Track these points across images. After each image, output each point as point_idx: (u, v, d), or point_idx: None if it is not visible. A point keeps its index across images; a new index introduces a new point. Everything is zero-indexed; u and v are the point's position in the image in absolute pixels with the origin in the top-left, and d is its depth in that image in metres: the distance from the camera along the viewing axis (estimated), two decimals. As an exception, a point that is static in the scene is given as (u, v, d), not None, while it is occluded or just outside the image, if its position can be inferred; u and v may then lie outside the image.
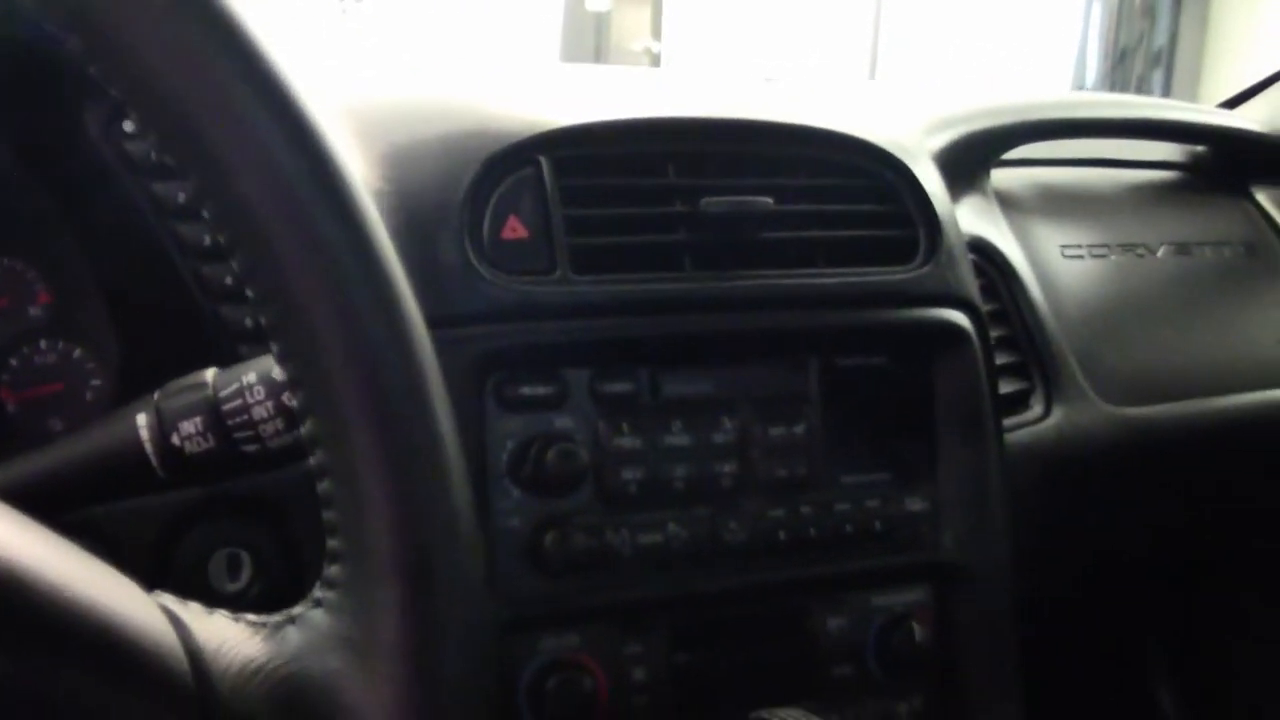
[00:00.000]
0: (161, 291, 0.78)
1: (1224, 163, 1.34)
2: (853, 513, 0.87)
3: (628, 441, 0.81)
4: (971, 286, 0.92)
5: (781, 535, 0.85)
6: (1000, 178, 1.18)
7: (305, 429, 0.48)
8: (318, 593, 0.48)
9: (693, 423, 0.83)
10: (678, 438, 0.83)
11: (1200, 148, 1.34)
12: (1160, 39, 4.05)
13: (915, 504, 0.89)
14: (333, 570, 0.48)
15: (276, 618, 0.48)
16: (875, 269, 0.88)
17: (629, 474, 0.81)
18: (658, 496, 0.82)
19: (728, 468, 0.84)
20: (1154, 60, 4.08)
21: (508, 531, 0.78)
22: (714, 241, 0.84)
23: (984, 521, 0.90)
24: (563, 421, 0.80)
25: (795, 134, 0.89)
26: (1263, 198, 1.34)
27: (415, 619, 0.46)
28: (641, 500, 0.81)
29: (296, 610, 0.48)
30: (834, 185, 0.89)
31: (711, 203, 0.83)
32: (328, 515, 0.48)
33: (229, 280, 0.77)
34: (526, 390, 0.79)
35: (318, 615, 0.48)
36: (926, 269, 0.90)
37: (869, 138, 0.90)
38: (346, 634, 0.46)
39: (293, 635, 0.47)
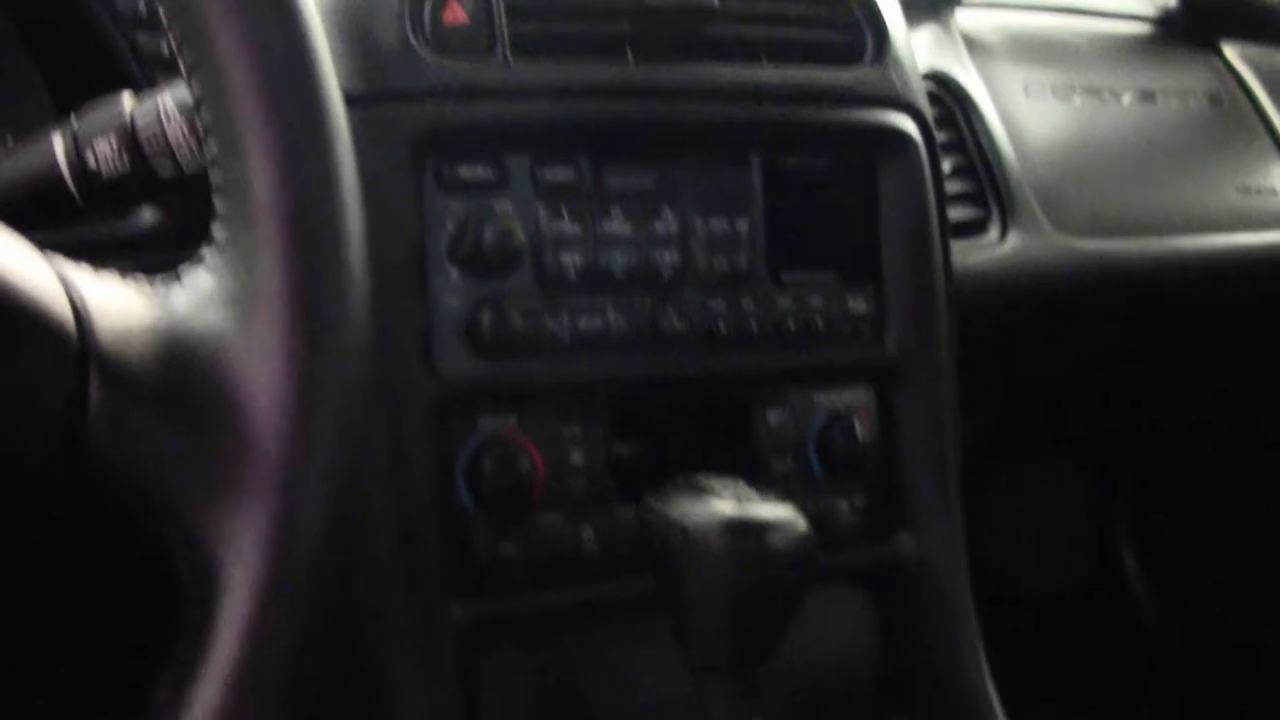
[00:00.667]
0: (77, 22, 0.79)
1: (1194, 17, 1.35)
2: (794, 309, 0.88)
3: (567, 227, 0.82)
4: (918, 94, 0.93)
5: (721, 327, 0.86)
6: (968, 18, 1.19)
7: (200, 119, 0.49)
8: (203, 253, 0.49)
9: (633, 212, 0.84)
10: (618, 226, 0.84)
11: (1172, 1, 1.35)
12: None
13: (858, 304, 0.90)
14: (217, 232, 0.49)
15: (162, 278, 0.49)
16: (820, 68, 0.89)
17: (568, 259, 0.82)
18: (597, 283, 0.83)
19: (668, 258, 0.85)
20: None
21: (446, 311, 0.80)
22: (658, 34, 0.84)
23: (926, 325, 0.92)
24: (502, 205, 0.81)
25: None
26: (1231, 54, 1.34)
27: (292, 263, 0.47)
28: (580, 286, 0.83)
29: (182, 270, 0.49)
30: None
31: None
32: (214, 179, 0.49)
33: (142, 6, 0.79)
34: (465, 172, 0.80)
35: (201, 275, 0.49)
36: (871, 71, 0.90)
37: None
38: (229, 291, 0.48)
39: (178, 294, 0.49)
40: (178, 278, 0.49)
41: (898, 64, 0.92)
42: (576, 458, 0.83)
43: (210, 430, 0.47)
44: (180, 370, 0.47)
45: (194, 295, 0.48)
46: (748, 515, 0.71)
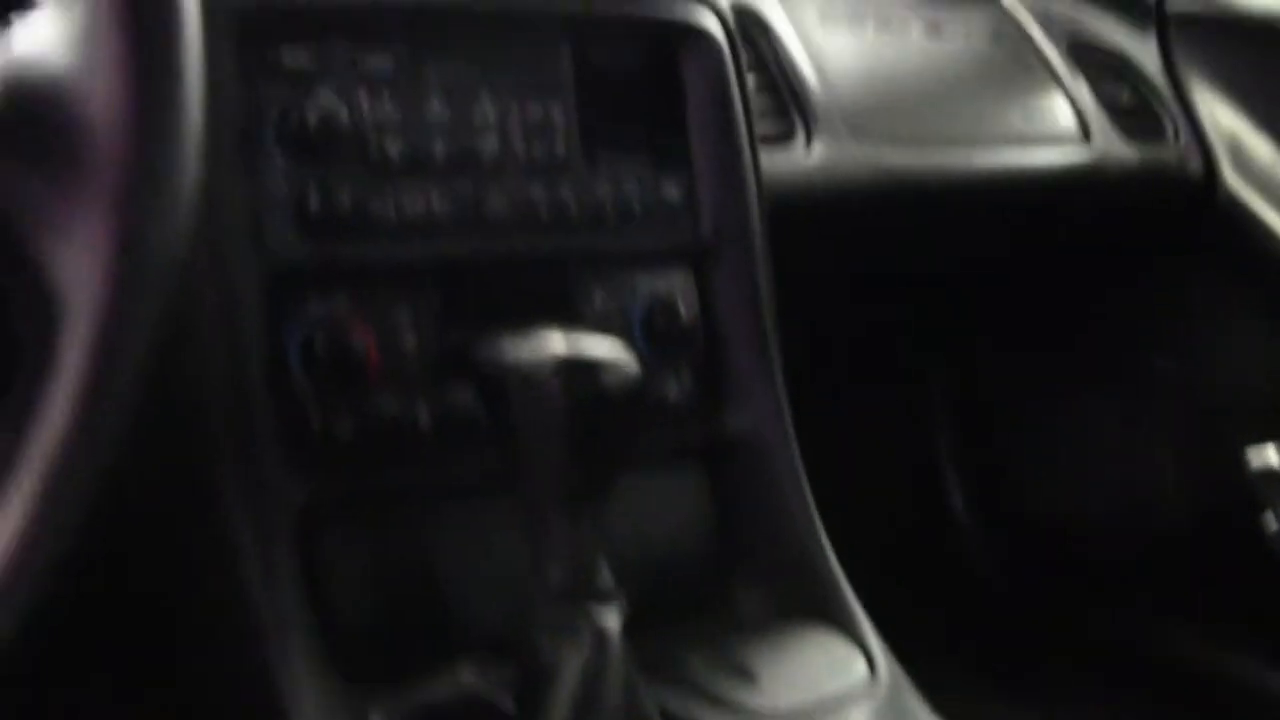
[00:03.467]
0: None
1: None
2: (612, 193, 0.94)
3: (389, 113, 0.87)
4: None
5: (543, 211, 0.91)
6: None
7: None
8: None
9: (452, 99, 0.89)
10: (438, 112, 0.89)
11: None
12: None
13: (672, 190, 0.97)
14: None
15: None
16: None
17: (391, 144, 0.87)
18: (420, 167, 0.87)
19: (488, 144, 0.90)
20: None
21: (273, 192, 0.83)
22: None
23: (737, 210, 0.99)
24: (325, 91, 0.85)
25: None
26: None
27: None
28: (404, 170, 0.87)
29: (14, 16, 0.53)
30: None
31: None
32: None
33: None
34: (289, 57, 0.84)
35: (37, 19, 0.53)
36: None
37: None
38: (64, 32, 0.51)
39: (13, 37, 0.52)
40: (8, 24, 0.52)
41: None
42: (408, 338, 0.87)
43: (52, 162, 0.50)
44: (18, 108, 0.50)
45: (30, 37, 0.52)
46: (579, 353, 0.76)
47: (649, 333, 0.94)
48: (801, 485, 0.98)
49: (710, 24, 0.99)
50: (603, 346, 0.78)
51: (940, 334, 1.49)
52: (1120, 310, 1.55)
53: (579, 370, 0.76)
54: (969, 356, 1.54)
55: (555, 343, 0.78)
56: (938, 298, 1.42)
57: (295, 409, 0.83)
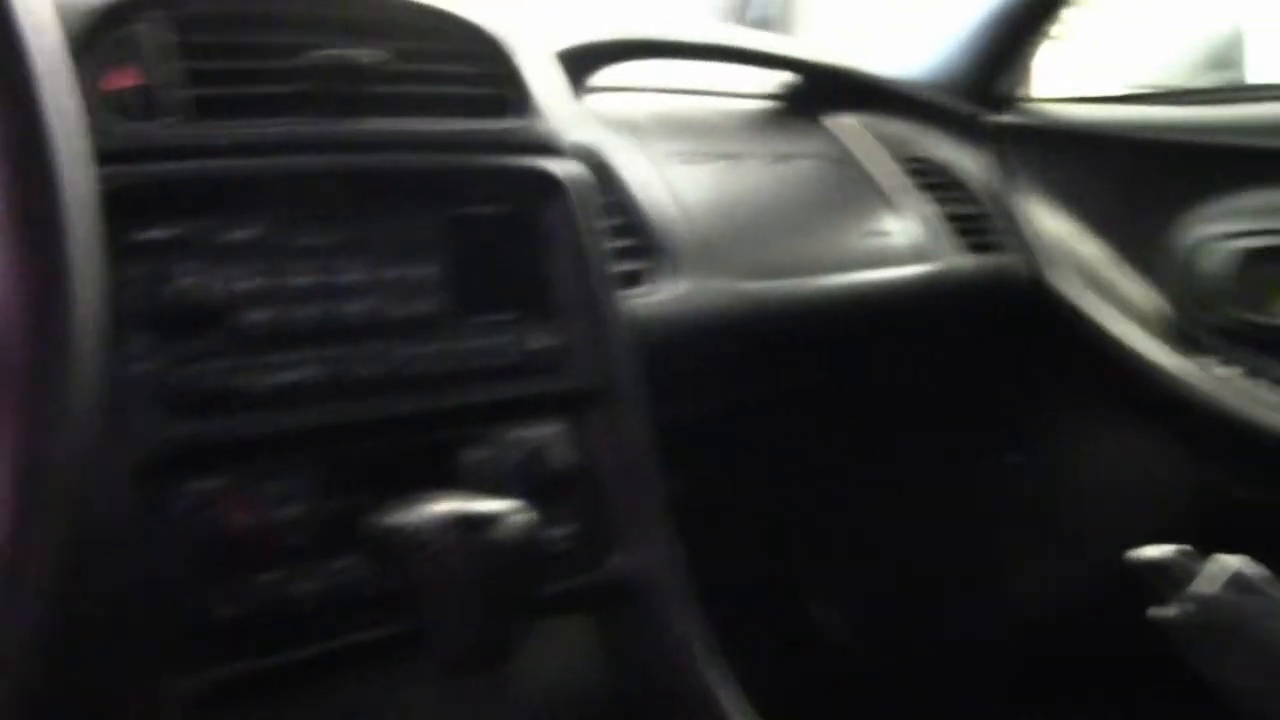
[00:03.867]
0: None
1: (809, 90, 1.53)
2: (484, 348, 0.94)
3: (254, 283, 0.86)
4: (568, 142, 1.03)
5: (415, 370, 0.91)
6: (623, 100, 1.32)
7: None
8: None
9: (319, 264, 0.89)
10: (305, 279, 0.88)
11: (788, 77, 1.52)
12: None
13: (543, 339, 0.97)
14: None
15: None
16: (481, 120, 0.98)
17: (258, 315, 0.86)
18: (289, 336, 0.87)
19: (356, 307, 0.90)
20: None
21: (139, 374, 0.82)
22: (327, 92, 0.91)
23: (609, 354, 1.00)
24: (189, 265, 0.84)
25: (395, 2, 0.99)
26: (840, 122, 1.53)
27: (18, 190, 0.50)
28: (273, 340, 0.86)
29: None
30: (441, 49, 0.99)
31: (323, 55, 0.91)
32: None
33: None
34: (150, 235, 0.84)
35: None
36: (527, 122, 1.00)
37: (465, 14, 1.02)
38: None
39: None
40: None
41: (547, 115, 1.02)
42: (289, 512, 0.85)
43: None
44: None
45: None
46: (473, 510, 0.76)
47: (526, 484, 0.94)
48: (697, 624, 0.98)
49: (570, 173, 1.00)
50: (495, 502, 0.78)
51: (801, 451, 1.51)
52: (969, 411, 1.60)
53: (474, 526, 0.75)
54: (829, 472, 1.57)
55: (447, 502, 0.77)
56: (801, 416, 1.45)
57: (176, 596, 0.81)
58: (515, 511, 0.77)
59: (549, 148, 1.01)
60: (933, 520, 1.62)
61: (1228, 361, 1.51)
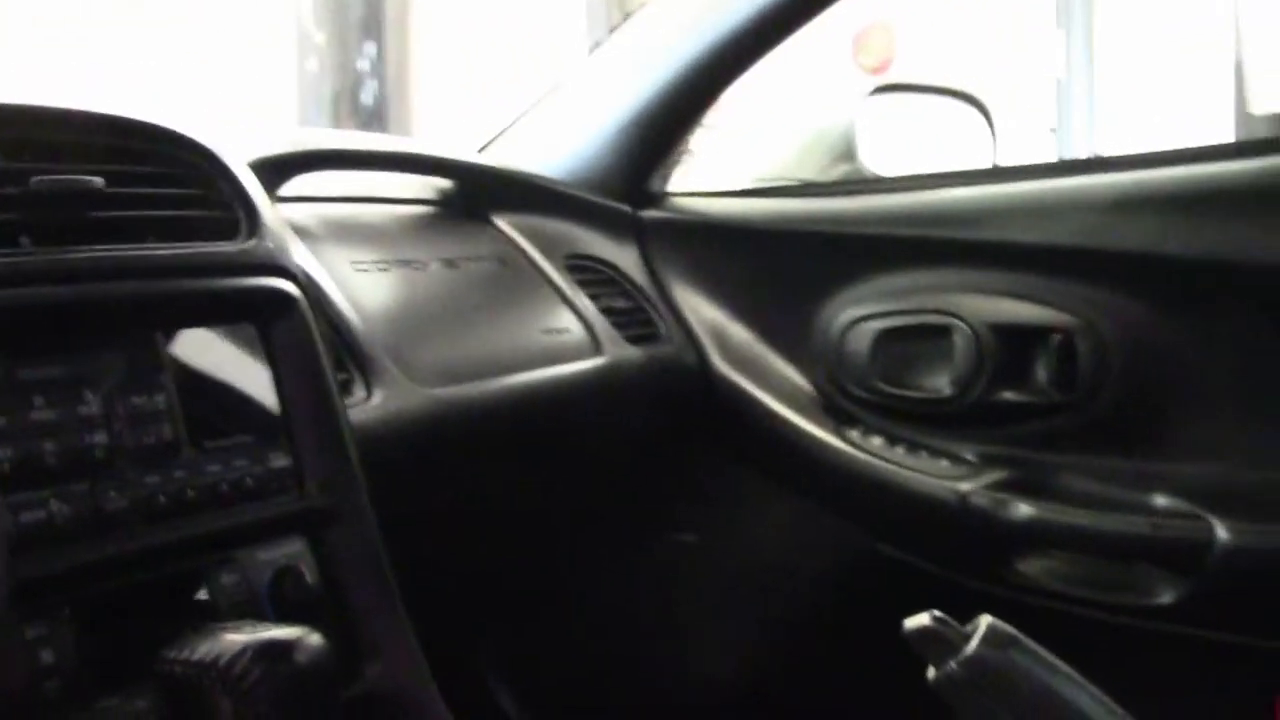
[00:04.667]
0: None
1: (472, 193, 1.59)
2: (224, 473, 0.95)
3: None
4: (294, 262, 1.05)
5: (161, 500, 0.91)
6: (298, 211, 1.33)
7: None
8: None
9: (55, 399, 0.87)
10: (42, 414, 0.87)
11: (451, 182, 1.58)
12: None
13: (279, 460, 0.99)
14: None
15: None
16: (204, 244, 0.99)
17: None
18: (33, 474, 0.85)
19: (98, 439, 0.89)
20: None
21: None
22: (49, 220, 0.90)
23: (342, 469, 1.02)
24: None
25: (114, 125, 0.98)
26: (503, 223, 1.60)
27: None
28: (17, 480, 0.84)
29: None
30: (161, 172, 0.99)
31: (41, 182, 0.90)
32: None
33: None
34: None
35: None
36: (251, 243, 1.02)
37: (185, 132, 1.02)
38: None
39: None
40: None
41: (273, 236, 1.04)
42: (47, 657, 0.83)
43: None
44: None
45: None
46: (267, 639, 0.77)
47: (277, 604, 0.95)
48: None
49: (294, 291, 1.02)
50: (283, 630, 0.79)
51: (491, 538, 1.56)
52: (643, 496, 1.69)
53: (277, 654, 0.76)
54: (519, 558, 1.62)
55: (239, 633, 0.78)
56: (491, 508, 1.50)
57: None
58: (307, 635, 0.79)
59: (278, 267, 1.02)
60: (616, 601, 1.69)
61: (871, 431, 1.65)
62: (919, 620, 0.88)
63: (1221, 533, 1.43)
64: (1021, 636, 0.88)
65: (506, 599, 1.57)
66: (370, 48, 4.09)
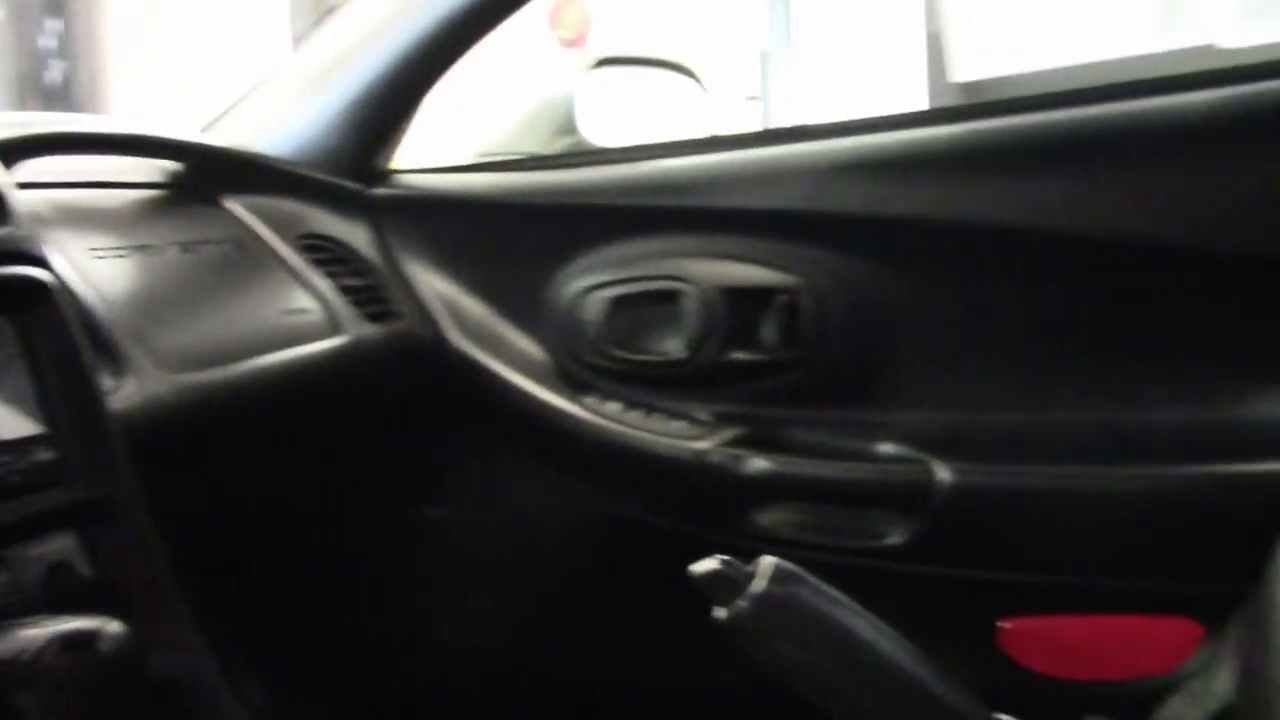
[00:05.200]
0: None
1: (202, 176, 1.57)
2: None
3: None
4: (42, 249, 1.03)
5: None
6: (28, 198, 1.29)
7: None
8: None
9: None
10: None
11: (181, 165, 1.56)
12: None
13: (43, 454, 0.97)
14: None
15: None
16: None
17: None
18: None
19: None
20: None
21: None
22: None
23: (108, 460, 1.01)
24: None
25: None
26: (235, 205, 1.58)
27: None
28: None
29: None
30: None
31: None
32: None
33: None
34: None
35: None
36: (9, 229, 1.00)
37: None
38: None
39: None
40: None
41: (20, 223, 1.01)
42: None
43: None
44: None
45: None
46: (70, 630, 0.77)
47: (55, 597, 0.94)
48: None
49: (46, 279, 1.00)
50: (79, 620, 0.79)
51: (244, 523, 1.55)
52: (387, 474, 1.70)
53: (80, 645, 0.76)
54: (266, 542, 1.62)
55: (36, 627, 0.77)
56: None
57: None
58: (106, 624, 0.78)
59: (29, 254, 1.00)
60: (363, 581, 1.70)
61: (610, 397, 1.71)
62: (706, 563, 0.93)
63: (942, 474, 1.54)
64: (804, 572, 0.94)
65: (262, 584, 1.56)
66: (55, 24, 3.93)
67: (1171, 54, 1.75)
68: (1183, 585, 1.51)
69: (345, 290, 1.60)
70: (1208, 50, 1.73)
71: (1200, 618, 1.49)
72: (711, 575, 0.92)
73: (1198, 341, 1.56)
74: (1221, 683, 1.33)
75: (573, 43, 4.69)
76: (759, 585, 0.92)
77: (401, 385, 1.66)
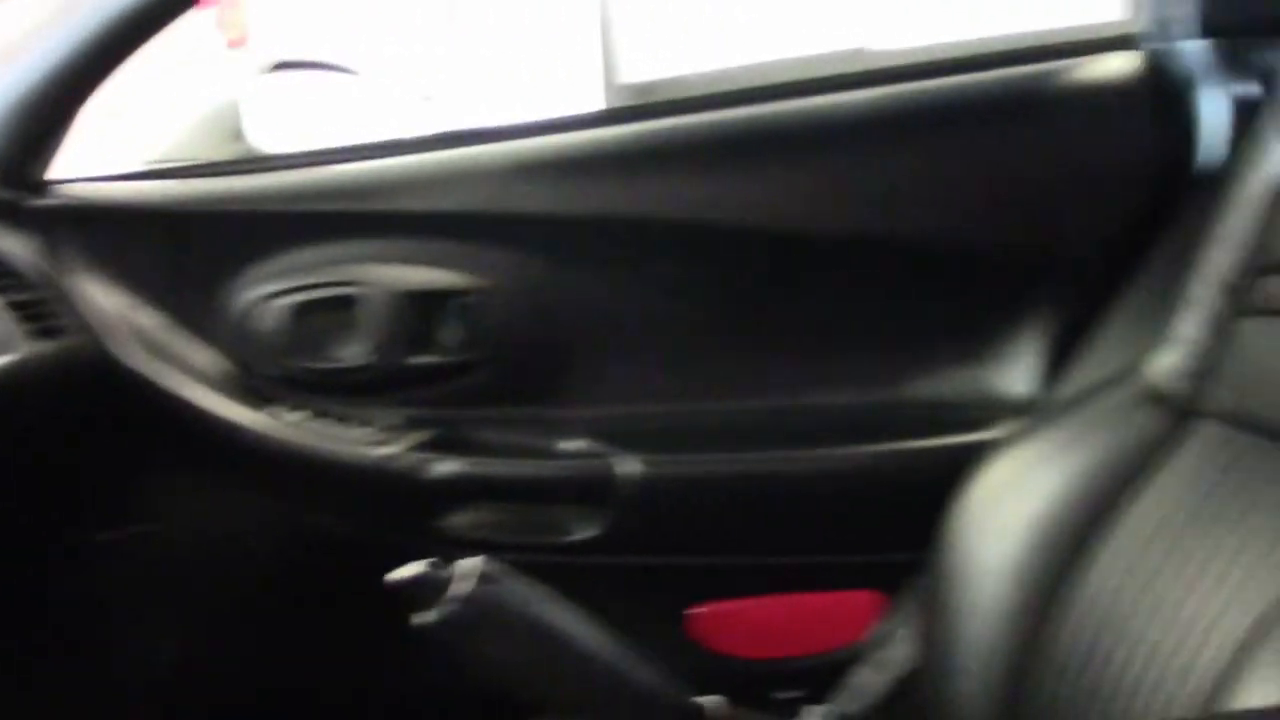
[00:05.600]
0: None
1: None
2: None
3: None
4: None
5: None
6: None
7: None
8: None
9: None
10: None
11: None
12: None
13: None
14: None
15: None
16: None
17: None
18: None
19: None
20: None
21: None
22: None
23: None
24: None
25: None
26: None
27: None
28: None
29: None
30: None
31: None
32: None
33: None
34: None
35: None
36: None
37: None
38: None
39: None
40: None
41: None
42: None
43: None
44: None
45: None
46: None
47: None
48: None
49: None
50: None
51: None
52: (61, 495, 1.62)
53: None
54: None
55: None
56: None
57: None
58: None
59: None
60: (34, 609, 1.63)
61: (295, 407, 1.68)
62: (405, 570, 0.93)
63: (624, 467, 1.58)
64: (506, 570, 0.95)
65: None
66: None
67: (827, 56, 1.84)
68: (863, 559, 1.59)
69: (9, 307, 1.52)
70: (859, 53, 1.82)
71: (882, 589, 1.57)
72: (412, 581, 0.92)
73: (862, 327, 1.65)
74: (903, 650, 1.41)
75: (236, 43, 4.58)
76: (462, 587, 0.93)
77: (74, 404, 1.59)
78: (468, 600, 0.92)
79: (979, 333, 1.63)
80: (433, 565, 0.93)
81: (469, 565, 0.94)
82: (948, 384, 1.63)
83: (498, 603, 0.93)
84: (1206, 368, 1.15)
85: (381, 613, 1.00)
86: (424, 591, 0.93)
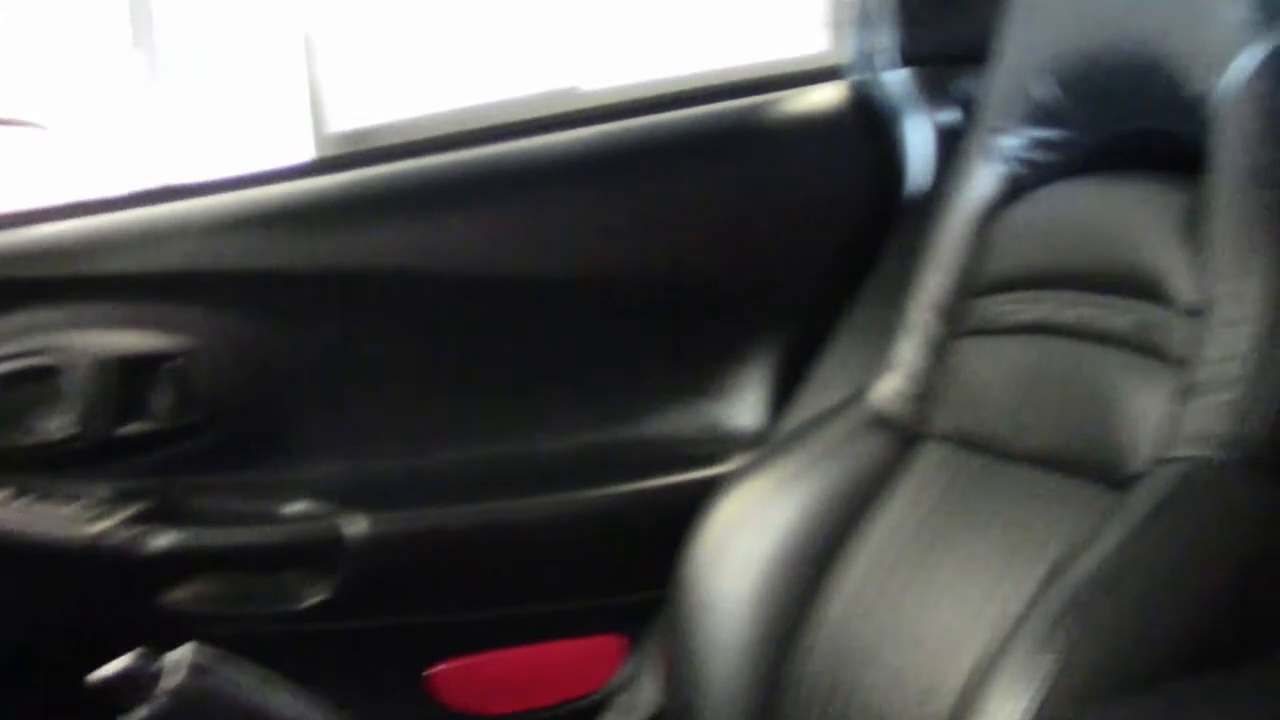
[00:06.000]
0: None
1: None
2: None
3: None
4: None
5: None
6: None
7: None
8: None
9: None
10: None
11: None
12: None
13: None
14: None
15: None
16: None
17: None
18: None
19: None
20: None
21: None
22: None
23: None
24: None
25: None
26: None
27: None
28: None
29: None
30: None
31: None
32: None
33: None
34: None
35: None
36: None
37: None
38: None
39: None
40: None
41: None
42: None
43: None
44: None
45: None
46: None
47: None
48: None
49: None
50: None
51: None
52: None
53: None
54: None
55: None
56: None
57: None
58: None
59: None
60: None
61: None
62: (112, 666, 0.86)
63: (351, 527, 1.52)
64: (220, 655, 0.89)
65: None
66: None
67: (540, 96, 1.82)
68: (605, 602, 1.56)
69: None
70: (571, 92, 1.81)
71: (626, 632, 1.55)
72: (119, 678, 0.85)
73: (587, 368, 1.63)
74: (648, 690, 1.39)
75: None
76: (171, 680, 0.86)
77: None
78: (177, 694, 0.85)
79: (705, 368, 1.63)
80: (141, 657, 0.87)
81: (178, 655, 0.88)
82: (678, 421, 1.62)
83: (210, 693, 0.87)
84: (927, 390, 1.17)
85: (106, 708, 0.93)
86: (131, 688, 0.85)
